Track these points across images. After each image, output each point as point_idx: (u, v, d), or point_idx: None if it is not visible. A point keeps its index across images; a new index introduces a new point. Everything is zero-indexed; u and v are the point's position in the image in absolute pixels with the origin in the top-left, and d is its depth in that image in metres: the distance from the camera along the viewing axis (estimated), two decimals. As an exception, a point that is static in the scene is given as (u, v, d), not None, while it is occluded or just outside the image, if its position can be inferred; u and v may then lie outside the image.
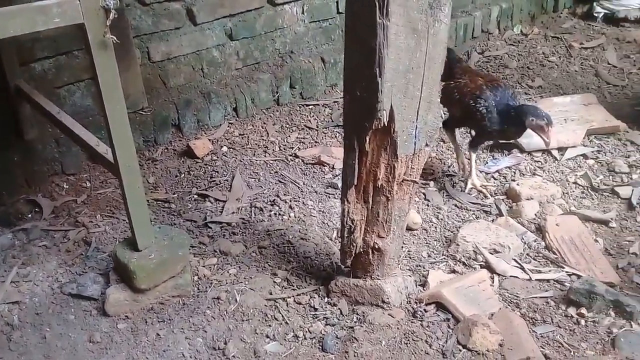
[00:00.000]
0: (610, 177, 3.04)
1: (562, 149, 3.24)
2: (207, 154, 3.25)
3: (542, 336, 2.07)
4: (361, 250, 2.12)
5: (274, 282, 2.35)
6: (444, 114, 3.00)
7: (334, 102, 3.82)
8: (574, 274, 2.38)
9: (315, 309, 2.19)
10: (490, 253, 2.52)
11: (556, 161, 3.19)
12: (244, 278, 2.36)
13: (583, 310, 2.15)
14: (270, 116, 3.68)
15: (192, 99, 3.42)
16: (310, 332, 2.07)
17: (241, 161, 3.22)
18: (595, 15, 4.90)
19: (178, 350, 2.05)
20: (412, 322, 2.09)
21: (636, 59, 4.26)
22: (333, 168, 3.14)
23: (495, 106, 2.75)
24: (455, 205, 2.93)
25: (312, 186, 3.02)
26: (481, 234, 2.61)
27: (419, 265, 2.48)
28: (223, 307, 2.21)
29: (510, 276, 2.40)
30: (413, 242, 2.65)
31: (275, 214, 2.80)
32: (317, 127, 3.57)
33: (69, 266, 2.45)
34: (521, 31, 4.77)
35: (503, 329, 2.02)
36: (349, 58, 1.82)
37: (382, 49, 1.71)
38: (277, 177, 3.10)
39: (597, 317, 2.13)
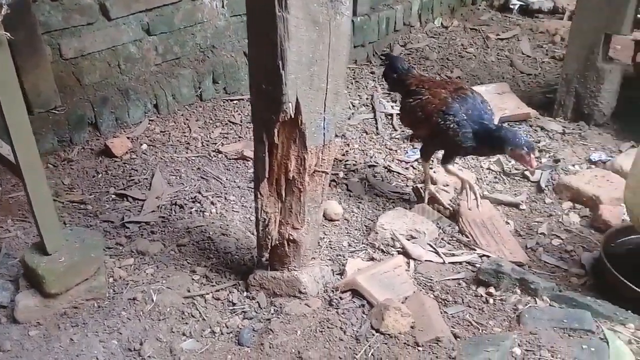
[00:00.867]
0: (522, 162, 3.19)
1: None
2: (126, 152, 3.17)
3: (452, 316, 2.15)
4: (277, 242, 2.14)
5: (193, 279, 2.33)
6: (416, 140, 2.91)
7: (258, 96, 3.81)
8: (484, 255, 2.48)
9: (234, 304, 2.19)
10: (407, 239, 2.59)
11: (471, 148, 3.31)
12: (162, 277, 2.33)
13: (491, 290, 2.25)
14: (193, 112, 3.63)
15: (109, 96, 3.32)
16: (228, 327, 2.07)
17: (162, 158, 3.16)
18: (511, 7, 5.11)
19: (92, 354, 2.00)
20: (328, 310, 2.13)
21: (548, 49, 4.47)
22: (256, 162, 3.14)
23: (467, 119, 2.48)
24: (376, 195, 2.99)
25: (235, 181, 3.01)
26: (399, 221, 2.68)
27: (340, 255, 2.52)
28: (139, 307, 2.18)
29: (426, 260, 2.48)
30: (334, 233, 2.69)
31: (196, 210, 2.77)
32: (241, 122, 3.56)
33: (-24, 274, 2.34)
34: (442, 24, 4.91)
35: (415, 312, 2.08)
36: (252, 51, 1.83)
37: (283, 41, 1.72)
38: (199, 173, 3.07)
39: (504, 295, 2.23)
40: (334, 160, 3.20)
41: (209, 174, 3.05)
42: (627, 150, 3.16)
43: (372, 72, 4.25)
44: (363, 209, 2.87)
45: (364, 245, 2.60)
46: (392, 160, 3.28)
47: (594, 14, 3.20)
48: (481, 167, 3.15)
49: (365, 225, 2.74)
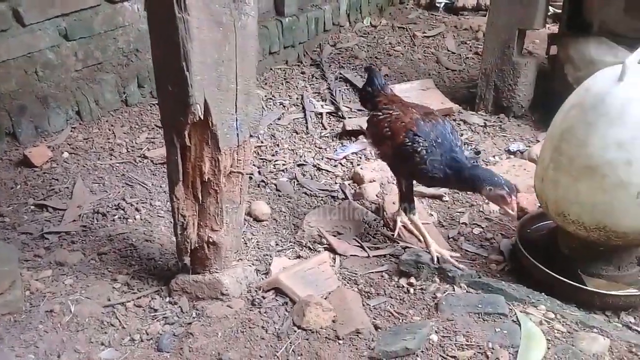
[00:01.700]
0: (445, 155, 3.28)
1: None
2: (46, 161, 3.08)
3: (375, 308, 2.19)
4: (196, 245, 2.12)
5: (114, 287, 2.29)
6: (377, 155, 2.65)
7: (186, 99, 3.77)
8: (407, 247, 2.54)
9: (155, 310, 2.16)
10: (333, 235, 2.63)
11: (397, 144, 3.38)
12: (81, 287, 2.28)
13: (412, 280, 2.31)
14: (119, 118, 3.55)
15: (27, 104, 3.21)
16: (148, 334, 2.05)
17: (84, 166, 3.09)
18: (438, 5, 5.25)
19: (6, 370, 1.94)
20: (250, 310, 2.13)
21: (472, 45, 4.61)
22: (182, 166, 3.10)
23: (436, 147, 2.27)
24: (305, 194, 3.01)
25: (161, 186, 2.97)
26: (325, 218, 2.72)
27: (267, 255, 2.53)
28: (57, 319, 2.12)
29: (351, 255, 2.52)
30: (262, 233, 2.69)
31: (119, 218, 2.72)
32: (169, 126, 3.51)
33: None
34: (370, 23, 4.99)
35: (337, 306, 2.11)
36: (156, 53, 1.82)
37: (186, 43, 1.72)
38: (123, 180, 3.01)
39: (424, 285, 2.29)
40: (263, 161, 3.27)
41: (133, 180, 2.99)
42: (543, 140, 3.30)
43: (303, 73, 4.28)
44: (292, 208, 2.89)
45: (291, 243, 2.61)
46: (322, 159, 3.31)
47: (507, 10, 3.33)
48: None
49: (294, 224, 2.75)
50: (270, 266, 2.39)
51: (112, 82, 3.54)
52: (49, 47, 3.30)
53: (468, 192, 2.79)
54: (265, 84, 4.11)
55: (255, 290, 2.23)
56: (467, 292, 2.23)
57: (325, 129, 3.61)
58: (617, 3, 3.25)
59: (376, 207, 2.84)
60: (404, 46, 4.63)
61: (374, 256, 2.52)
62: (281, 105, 3.84)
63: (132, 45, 3.67)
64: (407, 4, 5.41)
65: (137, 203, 2.82)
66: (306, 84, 4.13)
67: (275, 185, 3.07)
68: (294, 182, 3.11)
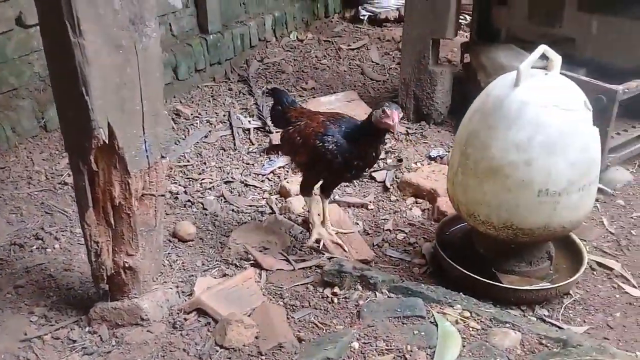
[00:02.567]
0: (369, 164, 3.36)
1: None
2: (-42, 194, 2.95)
3: (299, 320, 2.21)
4: (113, 271, 2.09)
5: (30, 321, 2.22)
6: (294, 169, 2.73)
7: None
8: (331, 257, 2.58)
9: (74, 341, 2.11)
10: (260, 251, 2.63)
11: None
12: (-5, 323, 2.19)
13: (336, 290, 2.34)
14: (37, 144, 3.45)
15: None
16: (65, 366, 1.99)
17: (1, 197, 2.98)
18: (362, 17, 5.36)
19: None
20: (171, 333, 2.11)
21: (394, 55, 4.74)
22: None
23: (343, 137, 2.40)
24: (233, 210, 3.01)
25: (83, 212, 2.89)
26: (252, 233, 2.73)
27: (192, 275, 2.51)
28: (-32, 359, 2.03)
29: (277, 269, 2.53)
30: (188, 253, 2.67)
31: (37, 248, 2.64)
32: (91, 150, 3.43)
33: None
34: (297, 37, 5.05)
35: (260, 322, 2.12)
36: (54, 79, 1.79)
37: (84, 67, 1.70)
38: (42, 208, 2.93)
39: (347, 293, 2.33)
40: (189, 180, 3.25)
41: (53, 208, 2.91)
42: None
43: (230, 89, 4.28)
44: (218, 226, 2.88)
45: (217, 262, 2.60)
46: (249, 175, 3.32)
47: (420, 22, 3.45)
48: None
49: (220, 242, 2.75)
50: (194, 287, 2.37)
51: (29, 108, 3.44)
52: (-42, 75, 3.19)
53: (379, 150, 2.57)
54: (192, 102, 4.09)
55: (177, 313, 2.21)
56: (388, 297, 2.28)
57: (253, 144, 3.63)
58: (521, 11, 3.43)
59: (302, 219, 2.87)
60: (330, 59, 4.71)
61: (299, 269, 2.54)
62: (208, 123, 3.83)
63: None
64: (332, 18, 5.50)
65: (56, 232, 2.75)
66: (233, 100, 4.13)
67: (202, 204, 3.05)
68: (221, 199, 3.10)
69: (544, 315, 2.31)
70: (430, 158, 3.35)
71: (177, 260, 2.61)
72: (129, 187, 1.95)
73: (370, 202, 3.04)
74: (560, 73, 2.22)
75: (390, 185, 3.15)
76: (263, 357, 1.99)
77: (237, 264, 2.58)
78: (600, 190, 2.82)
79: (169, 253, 2.62)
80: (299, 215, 2.90)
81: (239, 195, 3.15)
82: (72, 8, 1.65)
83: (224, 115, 3.93)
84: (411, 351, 1.98)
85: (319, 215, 2.71)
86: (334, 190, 2.88)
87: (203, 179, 3.26)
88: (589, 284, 2.47)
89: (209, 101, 4.12)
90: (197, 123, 3.82)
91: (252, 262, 2.58)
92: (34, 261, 2.54)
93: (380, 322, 2.11)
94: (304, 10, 5.22)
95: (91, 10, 1.69)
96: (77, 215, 2.85)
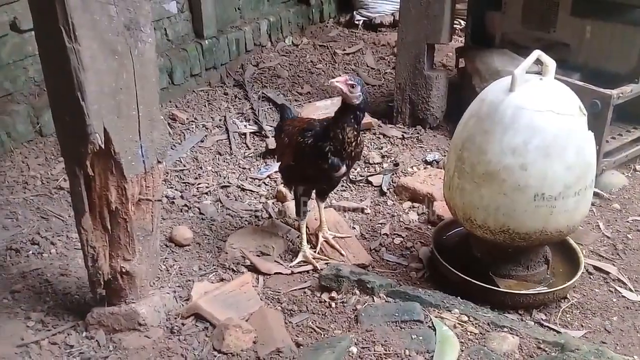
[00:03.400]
0: (366, 168, 3.36)
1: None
2: (-46, 199, 2.94)
3: (297, 325, 2.21)
4: (110, 276, 2.08)
5: (27, 326, 2.20)
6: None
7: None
8: (328, 262, 2.57)
9: (71, 346, 2.10)
10: (257, 255, 2.63)
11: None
12: (-9, 329, 2.18)
13: (334, 294, 2.34)
14: (33, 149, 3.43)
15: None
16: (62, 372, 1.98)
17: (-4, 202, 2.97)
18: (356, 22, 5.38)
19: None
20: (169, 338, 2.10)
21: (390, 60, 4.75)
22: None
23: (321, 128, 2.42)
24: (229, 215, 3.01)
25: (78, 217, 2.89)
26: (248, 238, 2.73)
27: (189, 280, 2.50)
28: (-36, 365, 2.02)
29: (275, 273, 2.53)
30: (185, 258, 2.67)
31: (34, 253, 2.63)
32: (87, 155, 3.42)
33: None
34: (292, 42, 5.06)
35: (258, 326, 2.12)
36: (50, 84, 1.79)
37: (79, 72, 1.70)
38: (38, 213, 2.91)
39: (345, 298, 2.33)
40: (186, 185, 3.24)
41: (49, 213, 2.90)
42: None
43: (226, 94, 4.28)
44: (215, 230, 2.87)
45: (214, 267, 2.60)
46: (246, 179, 3.32)
47: (415, 26, 3.47)
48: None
49: (217, 247, 2.74)
50: (191, 291, 2.36)
51: (24, 113, 3.42)
52: (-47, 80, 3.17)
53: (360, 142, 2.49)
54: (188, 106, 4.08)
55: (175, 318, 2.20)
56: (385, 301, 2.28)
57: (249, 149, 3.62)
58: (515, 16, 3.45)
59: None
60: (325, 64, 4.72)
61: (297, 273, 2.54)
62: (204, 128, 3.83)
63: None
64: (327, 23, 5.52)
65: (52, 236, 2.74)
66: (229, 104, 4.13)
67: (199, 208, 3.05)
68: (218, 204, 3.10)
69: (542, 319, 2.32)
70: (427, 162, 3.36)
71: (173, 265, 2.60)
72: (125, 192, 1.95)
73: (366, 206, 3.05)
74: (555, 78, 2.23)
75: (387, 189, 3.16)
76: (261, 362, 1.99)
77: (234, 268, 2.57)
78: (596, 194, 2.84)
79: (165, 258, 2.62)
80: (296, 220, 2.90)
81: (236, 200, 3.14)
82: (68, 14, 1.65)
83: (220, 120, 3.93)
84: (409, 356, 1.98)
85: (316, 219, 2.71)
86: (330, 195, 2.88)
87: (199, 184, 3.26)
88: (586, 288, 2.48)
89: (205, 106, 4.12)
90: (192, 127, 3.82)
91: (249, 266, 2.58)
92: (30, 266, 2.52)
93: (378, 326, 2.11)
94: (299, 15, 5.23)
95: (87, 15, 1.69)
96: (73, 220, 2.86)
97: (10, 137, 3.37)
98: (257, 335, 2.08)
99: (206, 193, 3.19)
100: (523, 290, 2.35)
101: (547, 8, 3.29)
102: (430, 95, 3.59)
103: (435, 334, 2.07)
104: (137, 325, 2.12)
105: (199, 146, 3.61)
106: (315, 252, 2.63)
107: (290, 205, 2.97)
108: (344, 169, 2.41)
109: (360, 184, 3.23)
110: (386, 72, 4.58)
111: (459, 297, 2.31)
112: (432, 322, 2.14)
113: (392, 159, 3.41)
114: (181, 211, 3.03)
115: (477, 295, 2.32)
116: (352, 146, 2.35)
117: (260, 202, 3.11)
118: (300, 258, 2.59)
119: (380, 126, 3.75)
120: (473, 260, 2.48)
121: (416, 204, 3.05)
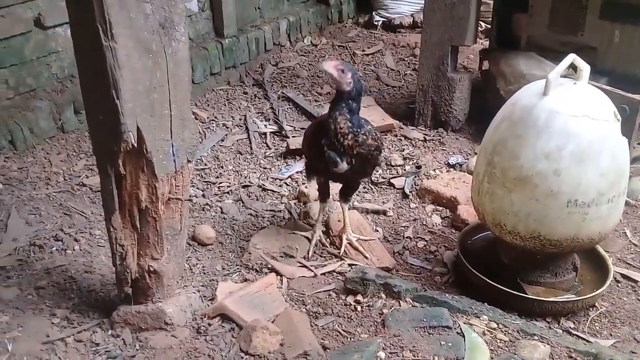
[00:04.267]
0: (388, 170, 3.34)
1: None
2: (-23, 194, 2.94)
3: (323, 328, 2.19)
4: (137, 275, 2.07)
5: (52, 323, 2.20)
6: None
7: (126, 124, 3.69)
8: (352, 264, 2.56)
9: (97, 344, 2.09)
10: (281, 256, 2.62)
11: (341, 161, 3.41)
12: (18, 324, 2.17)
13: (359, 297, 2.32)
14: (55, 145, 3.44)
15: (-46, 135, 3.08)
16: (89, 370, 1.98)
17: (19, 197, 2.97)
18: (375, 23, 5.35)
19: None
20: (196, 339, 2.09)
21: (410, 61, 4.73)
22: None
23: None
24: (251, 215, 3.00)
25: (101, 214, 2.85)
26: (271, 239, 2.71)
27: (213, 280, 2.49)
28: (-8, 360, 2.02)
29: (299, 276, 2.51)
30: (208, 257, 2.66)
31: (57, 249, 2.62)
32: (108, 152, 3.42)
33: None
34: (311, 42, 5.04)
35: (284, 329, 2.10)
36: (84, 82, 1.78)
37: (115, 70, 1.69)
38: (61, 209, 2.91)
39: (371, 302, 2.30)
40: (207, 184, 3.23)
41: (72, 209, 2.90)
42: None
43: (245, 93, 4.27)
44: (237, 230, 2.86)
45: (237, 267, 2.58)
46: (267, 179, 3.30)
47: (440, 28, 3.44)
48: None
49: (240, 247, 2.73)
50: (216, 291, 2.35)
51: (46, 109, 3.43)
52: (-23, 76, 3.18)
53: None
54: (208, 105, 4.08)
55: (201, 318, 2.19)
56: (412, 306, 2.26)
57: (270, 148, 3.61)
58: (542, 18, 3.41)
59: (322, 224, 2.85)
60: (345, 64, 4.69)
61: (321, 274, 2.52)
62: (224, 127, 3.82)
63: (66, 71, 3.57)
64: (346, 23, 5.49)
65: (75, 233, 2.73)
66: (249, 104, 4.12)
67: (220, 207, 3.04)
68: (239, 203, 3.08)
69: (570, 327, 2.28)
70: (449, 165, 3.33)
71: (197, 264, 2.59)
72: (155, 191, 1.94)
73: (389, 208, 3.02)
74: (579, 82, 2.20)
75: (410, 192, 3.13)
76: (288, 365, 1.97)
77: (258, 269, 2.56)
78: (623, 201, 2.79)
79: (189, 257, 2.61)
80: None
81: (257, 200, 3.13)
82: (105, 12, 1.65)
83: (240, 119, 3.92)
84: (438, 362, 1.96)
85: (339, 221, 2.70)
86: (353, 196, 2.87)
87: (221, 183, 3.25)
88: (614, 296, 2.45)
89: (225, 105, 4.11)
90: (213, 126, 3.81)
91: (272, 268, 2.56)
92: (54, 262, 2.52)
93: (406, 331, 2.09)
94: (318, 15, 5.21)
95: (123, 13, 1.68)
96: (95, 217, 2.87)
97: (33, 133, 3.38)
98: (284, 338, 2.07)
99: (227, 192, 3.18)
100: (551, 297, 2.31)
101: (575, 11, 3.25)
102: (453, 97, 3.56)
103: (465, 341, 2.05)
104: (163, 325, 2.11)
105: (220, 145, 3.60)
106: (340, 252, 2.62)
107: (313, 206, 2.96)
108: (344, 165, 2.33)
109: (382, 186, 3.21)
110: (406, 74, 4.55)
111: (486, 304, 2.28)
112: (460, 329, 2.11)
113: (414, 161, 3.38)
114: (203, 210, 3.02)
115: (503, 302, 2.29)
116: (349, 139, 2.26)
117: (282, 203, 3.10)
118: (345, 242, 2.63)
119: (402, 128, 3.72)
120: (499, 266, 2.45)
121: (439, 207, 3.02)
